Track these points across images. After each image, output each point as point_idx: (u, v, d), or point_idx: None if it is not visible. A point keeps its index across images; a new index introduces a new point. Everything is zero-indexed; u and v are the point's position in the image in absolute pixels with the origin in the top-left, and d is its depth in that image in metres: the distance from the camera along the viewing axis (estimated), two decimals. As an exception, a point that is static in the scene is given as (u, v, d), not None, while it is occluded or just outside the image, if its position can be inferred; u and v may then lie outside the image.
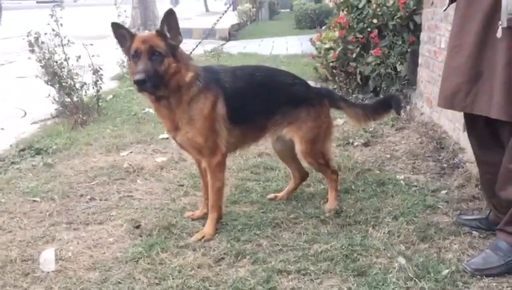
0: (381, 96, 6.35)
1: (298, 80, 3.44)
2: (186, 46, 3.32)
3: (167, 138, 5.03)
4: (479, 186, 3.69)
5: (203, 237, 3.05)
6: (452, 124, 4.81)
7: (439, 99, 2.92)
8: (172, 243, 3.00)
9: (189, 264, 2.77)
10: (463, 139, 4.48)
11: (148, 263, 2.78)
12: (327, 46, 6.84)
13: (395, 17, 6.28)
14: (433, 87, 5.46)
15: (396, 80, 6.36)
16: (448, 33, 5.08)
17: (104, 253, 2.94)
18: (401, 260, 2.72)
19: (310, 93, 3.37)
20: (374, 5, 6.37)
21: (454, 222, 3.22)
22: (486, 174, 2.95)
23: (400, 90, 6.27)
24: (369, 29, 6.51)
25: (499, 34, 2.50)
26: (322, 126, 3.34)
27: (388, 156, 4.41)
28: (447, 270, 2.64)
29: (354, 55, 6.58)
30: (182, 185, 3.88)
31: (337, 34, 6.73)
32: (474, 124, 2.90)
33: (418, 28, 6.13)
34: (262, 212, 3.41)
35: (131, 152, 4.66)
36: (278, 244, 2.98)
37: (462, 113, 4.63)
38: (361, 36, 6.59)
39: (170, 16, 2.84)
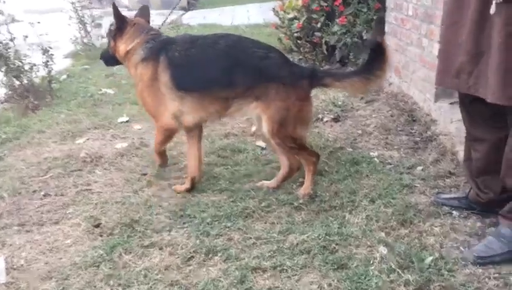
0: (349, 67, 6.17)
1: (274, 54, 3.15)
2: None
3: (127, 122, 4.74)
4: (456, 161, 3.58)
5: None
6: (422, 95, 4.67)
7: (438, 77, 2.70)
8: (136, 243, 2.76)
9: (155, 266, 2.55)
10: (434, 110, 4.36)
11: (110, 268, 2.55)
12: (291, 15, 6.57)
13: (360, -17, 6.05)
14: (400, 56, 5.29)
15: (363, 48, 6.15)
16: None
17: (61, 258, 2.68)
18: (383, 250, 2.56)
19: (282, 71, 3.08)
20: (337, -29, 6.12)
21: (432, 201, 3.09)
22: (475, 151, 2.78)
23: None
24: (333, -4, 6.26)
25: (493, 9, 2.30)
26: (291, 108, 3.05)
27: (360, 131, 4.24)
28: (431, 258, 2.49)
29: (319, 25, 6.34)
30: (145, 174, 3.62)
31: (300, 2, 6.45)
32: (466, 100, 2.72)
33: (383, -6, 5.92)
34: (232, 201, 3.20)
35: (88, 139, 4.35)
36: (251, 238, 2.78)
37: (432, 83, 4.53)
38: (325, 4, 6.34)
39: (113, 9, 3.32)
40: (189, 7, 15.67)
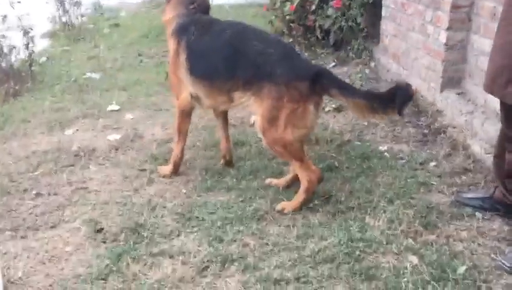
0: (343, 51, 5.98)
1: (273, 49, 2.93)
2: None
3: (118, 110, 4.46)
4: (469, 156, 3.45)
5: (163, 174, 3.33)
6: (426, 84, 4.51)
7: (484, 80, 2.50)
8: (144, 250, 2.55)
9: (168, 278, 2.35)
10: (439, 100, 4.20)
11: (119, 281, 2.33)
12: (283, -3, 6.31)
13: (356, -36, 5.82)
14: (400, 42, 5.12)
15: (358, 33, 5.97)
16: (421, -20, 4.74)
17: (63, 269, 2.44)
18: (413, 259, 2.41)
19: (277, 69, 2.84)
20: (333, -48, 5.87)
21: (453, 201, 2.95)
22: (509, 153, 2.61)
23: (362, 44, 5.89)
24: (327, -22, 6.02)
25: None
26: (282, 110, 2.81)
27: (366, 123, 4.06)
28: (464, 268, 2.35)
29: (313, 8, 6.10)
30: (144, 170, 3.38)
31: (293, -16, 6.20)
32: (509, 111, 2.51)
33: (381, -23, 5.70)
34: (242, 201, 3.00)
35: (77, 130, 4.07)
36: (268, 244, 2.60)
37: (438, 72, 4.39)
38: (319, -14, 6.10)
39: None
40: None
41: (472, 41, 4.00)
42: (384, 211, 2.83)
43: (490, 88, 2.43)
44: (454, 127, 3.88)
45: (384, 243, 2.55)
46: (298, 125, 2.85)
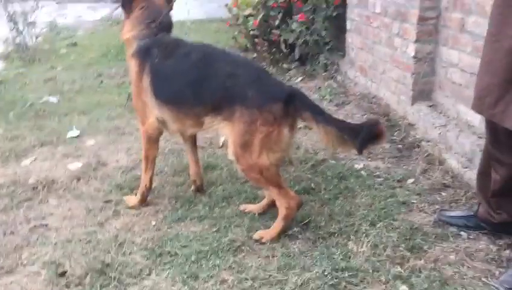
0: (308, 65, 5.89)
1: (243, 70, 2.78)
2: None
3: (77, 136, 4.22)
4: (446, 172, 3.37)
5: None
6: (396, 97, 4.44)
7: (473, 99, 2.39)
8: (112, 294, 2.33)
9: (141, 326, 2.13)
10: (411, 113, 4.13)
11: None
12: (246, 12, 6.19)
13: (318, -22, 5.76)
14: (367, 55, 5.06)
15: (323, 46, 5.89)
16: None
17: (22, 322, 2.21)
18: (403, 289, 2.26)
19: (247, 91, 2.68)
20: (294, -35, 5.80)
21: (436, 220, 2.84)
22: (495, 173, 2.50)
23: (328, 58, 5.81)
24: (290, -8, 5.94)
25: None
26: (256, 134, 2.65)
27: (339, 140, 3.93)
28: (456, 295, 2.22)
29: (276, 22, 6.00)
30: (109, 202, 3.16)
31: (256, -2, 6.10)
32: (495, 130, 2.41)
33: (343, -10, 5.65)
34: (216, 231, 2.81)
35: (35, 159, 3.81)
36: (247, 279, 2.41)
37: (407, 85, 4.32)
38: (282, 0, 6.01)
39: None
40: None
41: (440, 53, 3.95)
42: (367, 235, 2.69)
43: (479, 108, 2.33)
44: (428, 141, 3.80)
45: (371, 271, 2.41)
46: (274, 149, 2.69)
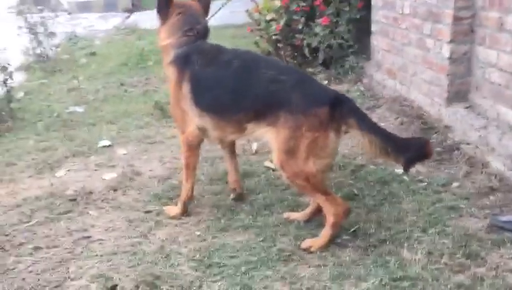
0: (333, 69, 5.81)
1: (287, 76, 2.74)
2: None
3: (109, 146, 4.17)
4: (491, 174, 3.28)
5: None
6: (429, 99, 4.36)
7: None
8: (168, 309, 2.27)
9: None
10: (448, 115, 4.05)
11: None
12: (268, 17, 6.14)
13: (340, -20, 5.70)
14: (395, 57, 4.99)
15: (347, 50, 5.83)
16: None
17: (77, 338, 2.15)
18: (469, 298, 2.19)
19: (292, 96, 2.64)
20: (316, -32, 5.74)
21: (489, 225, 2.76)
22: None
23: (353, 61, 5.74)
24: (312, -4, 5.88)
25: None
26: (301, 140, 2.60)
27: (375, 144, 3.86)
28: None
29: (299, 26, 5.94)
30: (149, 212, 3.11)
31: (278, 3, 6.04)
32: None
33: (367, -8, 5.59)
34: (262, 240, 2.75)
35: (68, 170, 3.77)
36: (302, 289, 2.34)
37: (442, 86, 4.24)
38: (304, 4, 5.95)
39: None
40: (133, 9, 14.78)
41: (477, 53, 3.87)
42: (420, 242, 2.62)
43: None
44: (468, 144, 3.72)
45: (430, 280, 2.33)
46: (320, 155, 2.63)
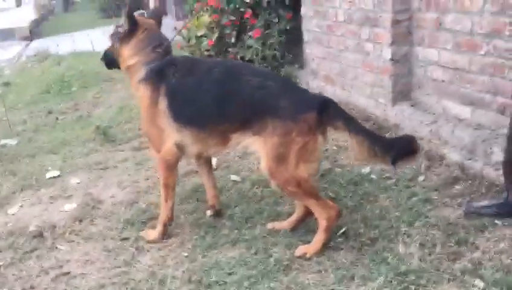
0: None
1: (272, 81, 2.73)
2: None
3: (59, 176, 3.91)
4: (451, 166, 3.44)
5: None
6: (373, 101, 4.52)
7: None
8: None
9: None
10: (394, 114, 4.21)
11: None
12: (199, 33, 6.09)
13: (267, -6, 5.79)
14: (332, 63, 5.13)
15: (281, 60, 5.92)
16: (346, 4, 4.78)
17: None
18: (477, 283, 2.26)
19: (280, 102, 2.63)
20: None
21: (466, 212, 2.88)
22: None
23: (290, 71, 5.84)
24: (241, 10, 5.92)
25: None
26: (291, 146, 2.58)
27: (335, 148, 3.93)
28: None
29: (232, 40, 5.95)
30: (127, 239, 2.94)
31: (208, 18, 6.02)
32: None
33: (296, 3, 5.71)
34: (255, 253, 2.69)
35: (21, 206, 3.48)
36: (311, 296, 2.32)
37: (383, 87, 4.40)
38: (234, 18, 5.98)
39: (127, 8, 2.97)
40: (32, 37, 14.08)
41: (416, 53, 4.07)
42: (409, 236, 2.69)
43: None
44: (420, 139, 3.87)
45: (432, 270, 2.39)
46: (310, 160, 2.63)
